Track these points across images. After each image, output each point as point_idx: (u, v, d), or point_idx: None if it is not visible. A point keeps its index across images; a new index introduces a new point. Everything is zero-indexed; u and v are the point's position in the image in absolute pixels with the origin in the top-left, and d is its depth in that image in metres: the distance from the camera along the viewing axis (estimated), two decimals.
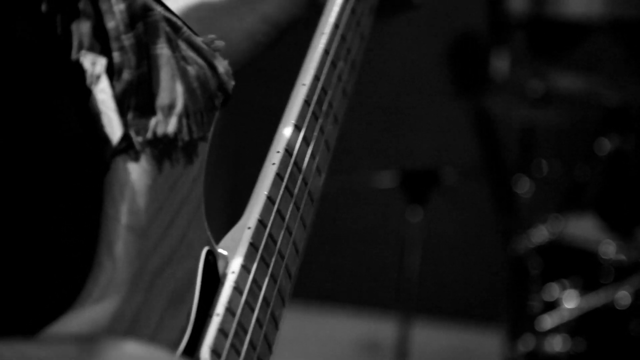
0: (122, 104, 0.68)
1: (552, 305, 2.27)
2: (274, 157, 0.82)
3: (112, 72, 0.68)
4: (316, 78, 0.89)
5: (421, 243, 2.52)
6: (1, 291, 0.62)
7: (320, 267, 3.08)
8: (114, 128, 0.68)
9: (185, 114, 0.71)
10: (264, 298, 0.78)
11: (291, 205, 0.83)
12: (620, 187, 2.54)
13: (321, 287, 2.98)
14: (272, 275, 0.80)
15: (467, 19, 3.25)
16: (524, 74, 2.42)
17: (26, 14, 0.66)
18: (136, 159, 0.69)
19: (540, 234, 2.38)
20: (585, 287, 2.26)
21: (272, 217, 0.80)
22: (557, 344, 2.22)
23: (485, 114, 2.99)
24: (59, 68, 0.67)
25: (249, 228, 0.77)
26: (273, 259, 0.80)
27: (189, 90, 0.72)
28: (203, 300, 0.74)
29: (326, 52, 0.93)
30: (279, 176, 0.81)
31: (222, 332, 0.71)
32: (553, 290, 2.29)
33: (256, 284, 0.78)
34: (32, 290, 0.64)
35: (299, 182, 0.84)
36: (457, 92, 2.82)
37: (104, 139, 0.68)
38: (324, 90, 0.90)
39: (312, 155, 0.87)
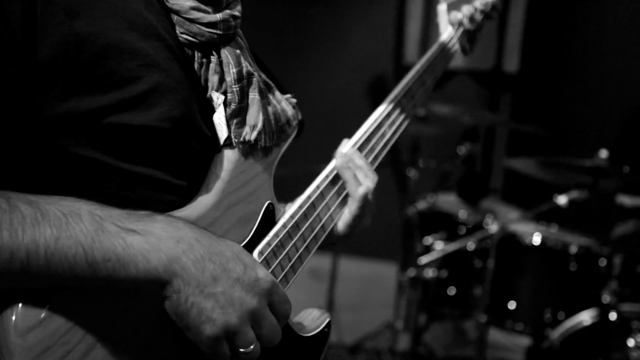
0: (229, 121, 0.84)
1: (428, 249, 2.67)
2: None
3: (226, 103, 0.85)
4: (406, 87, 1.07)
5: None
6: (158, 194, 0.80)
7: None
8: (223, 133, 0.85)
9: (264, 131, 0.87)
10: (302, 234, 0.92)
11: (332, 193, 0.98)
12: (470, 176, 2.93)
13: None
14: (310, 224, 0.93)
15: (380, 68, 3.52)
16: None
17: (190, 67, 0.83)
18: (233, 149, 0.85)
19: (422, 204, 2.82)
20: (448, 238, 2.66)
21: (316, 195, 0.97)
22: (429, 272, 2.63)
23: None
24: (204, 98, 0.85)
25: (300, 198, 0.95)
26: (312, 217, 0.93)
27: (267, 120, 0.87)
28: (263, 228, 0.89)
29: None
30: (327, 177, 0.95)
31: (268, 244, 0.90)
32: (428, 239, 2.71)
33: (297, 226, 0.92)
34: (166, 202, 0.82)
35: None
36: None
37: (219, 138, 0.85)
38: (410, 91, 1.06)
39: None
